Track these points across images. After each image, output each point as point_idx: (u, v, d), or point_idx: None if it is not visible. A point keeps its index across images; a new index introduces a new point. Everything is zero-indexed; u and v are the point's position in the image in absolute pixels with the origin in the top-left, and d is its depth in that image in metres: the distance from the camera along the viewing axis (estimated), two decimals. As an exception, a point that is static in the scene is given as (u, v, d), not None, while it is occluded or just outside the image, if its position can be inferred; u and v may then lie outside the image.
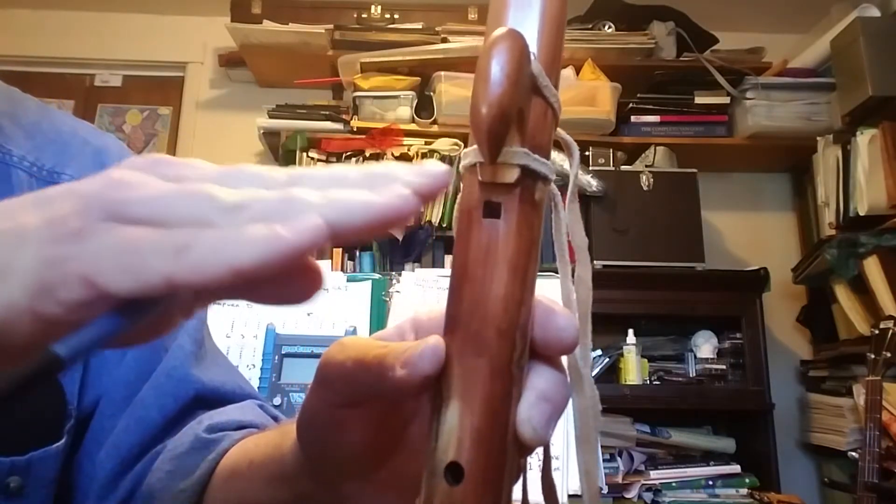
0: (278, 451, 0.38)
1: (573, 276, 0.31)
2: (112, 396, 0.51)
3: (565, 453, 1.09)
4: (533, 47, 0.27)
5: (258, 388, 1.18)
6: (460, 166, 0.29)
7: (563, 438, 1.10)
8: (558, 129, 0.31)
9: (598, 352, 2.17)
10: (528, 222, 0.27)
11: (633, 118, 2.45)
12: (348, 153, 2.39)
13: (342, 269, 2.26)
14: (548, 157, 0.28)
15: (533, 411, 0.26)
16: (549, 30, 0.28)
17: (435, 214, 2.26)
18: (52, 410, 0.48)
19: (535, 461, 1.07)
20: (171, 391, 0.51)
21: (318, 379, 0.30)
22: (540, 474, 0.31)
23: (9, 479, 0.44)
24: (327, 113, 2.45)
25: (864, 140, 2.09)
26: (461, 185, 0.29)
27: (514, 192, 0.27)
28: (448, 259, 2.27)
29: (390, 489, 0.33)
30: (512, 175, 0.27)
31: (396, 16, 2.57)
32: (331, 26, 2.50)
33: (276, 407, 1.12)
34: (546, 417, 0.26)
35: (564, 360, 0.29)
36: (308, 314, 1.26)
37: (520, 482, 0.31)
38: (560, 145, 0.32)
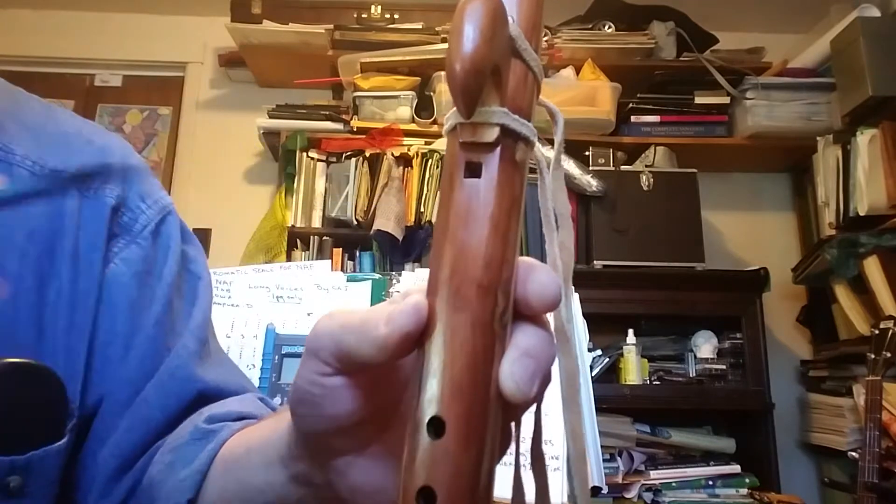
0: (275, 434, 0.38)
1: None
2: (115, 396, 0.51)
3: (565, 453, 1.09)
4: (513, 12, 0.28)
5: (258, 387, 1.18)
6: (443, 130, 0.29)
7: (563, 438, 1.09)
8: (542, 98, 0.30)
9: (598, 352, 2.17)
10: (510, 181, 0.27)
11: (633, 118, 2.45)
12: (348, 153, 2.39)
13: (342, 269, 2.26)
14: (529, 119, 0.28)
15: (515, 366, 0.26)
16: None
17: (434, 214, 2.26)
18: (53, 409, 0.48)
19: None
20: (174, 390, 0.51)
21: (308, 349, 0.31)
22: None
23: (9, 478, 0.44)
24: (327, 113, 2.45)
25: (864, 140, 2.09)
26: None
27: (494, 151, 0.27)
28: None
29: (382, 463, 0.33)
30: (491, 134, 0.27)
31: (396, 16, 2.57)
32: (331, 26, 2.50)
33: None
34: (529, 373, 0.26)
35: (552, 321, 0.30)
36: (308, 314, 1.26)
37: (513, 455, 0.31)
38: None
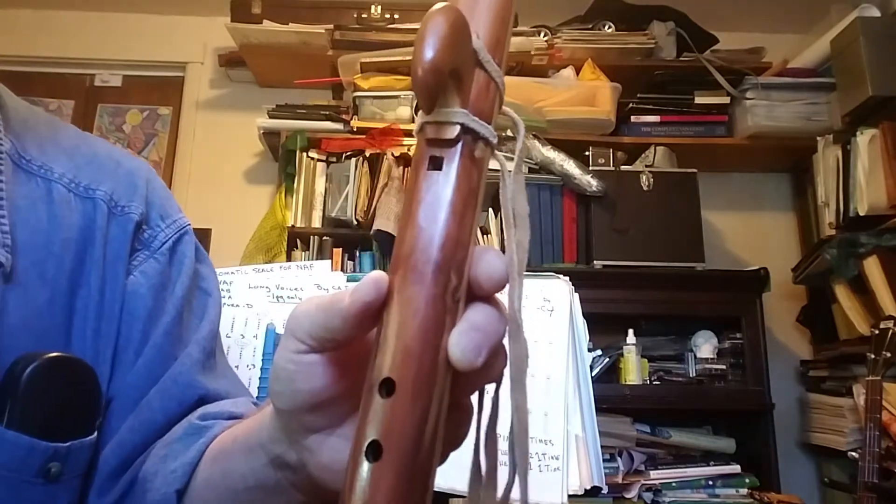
0: (257, 423, 0.41)
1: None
2: (122, 400, 0.54)
3: (565, 453, 1.09)
4: (479, 29, 0.32)
5: (258, 387, 1.18)
6: (414, 130, 0.32)
7: (563, 438, 1.10)
8: (506, 108, 0.34)
9: (598, 352, 2.17)
10: (468, 174, 0.31)
11: (633, 118, 2.45)
12: (348, 153, 2.39)
13: (342, 269, 2.26)
14: (489, 122, 0.32)
15: (462, 337, 0.29)
16: (495, 16, 0.32)
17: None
18: (90, 403, 0.51)
19: (535, 461, 1.07)
20: (176, 395, 0.54)
21: (287, 329, 0.33)
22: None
23: (50, 464, 0.47)
24: (327, 113, 2.45)
25: (864, 140, 2.09)
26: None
27: (454, 147, 0.31)
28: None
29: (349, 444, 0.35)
30: (452, 132, 0.30)
31: (396, 16, 2.57)
32: (331, 26, 2.49)
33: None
34: (475, 344, 0.29)
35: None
36: (308, 314, 1.26)
37: (472, 442, 0.33)
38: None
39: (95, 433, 0.51)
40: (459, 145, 0.31)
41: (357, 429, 0.29)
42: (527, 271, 0.31)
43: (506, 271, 0.31)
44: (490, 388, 0.33)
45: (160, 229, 0.59)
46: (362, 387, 0.33)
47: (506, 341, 0.31)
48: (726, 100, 2.44)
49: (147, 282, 0.56)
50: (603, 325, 2.15)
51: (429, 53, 0.27)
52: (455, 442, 0.33)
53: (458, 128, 0.30)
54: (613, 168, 2.33)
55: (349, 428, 0.34)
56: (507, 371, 0.32)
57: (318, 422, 0.34)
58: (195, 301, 0.60)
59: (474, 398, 0.34)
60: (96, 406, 0.51)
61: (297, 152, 2.38)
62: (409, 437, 0.28)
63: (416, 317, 0.29)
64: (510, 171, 0.34)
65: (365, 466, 0.28)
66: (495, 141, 0.32)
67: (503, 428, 0.32)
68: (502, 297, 0.32)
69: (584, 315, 1.22)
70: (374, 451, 0.28)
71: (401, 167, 2.34)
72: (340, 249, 2.34)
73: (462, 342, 0.29)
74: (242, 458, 0.42)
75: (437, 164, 0.31)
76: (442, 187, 0.30)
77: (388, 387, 0.28)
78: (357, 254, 2.36)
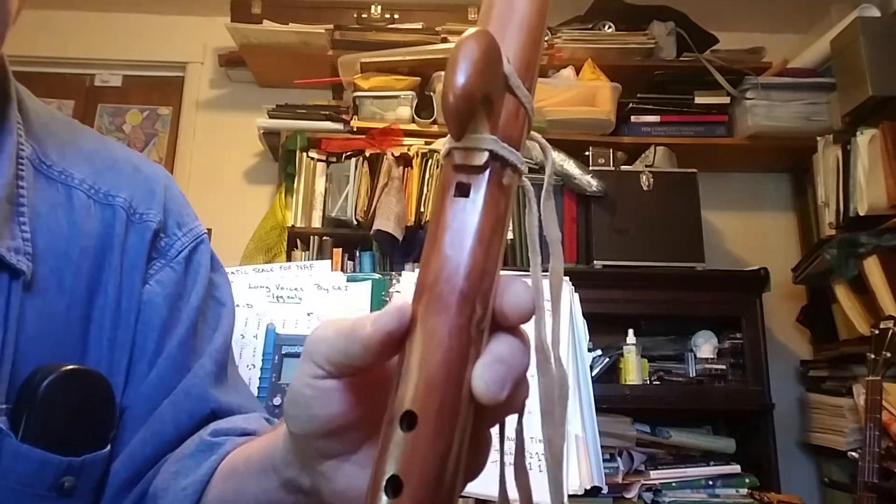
0: (271, 444, 0.40)
1: (545, 269, 0.33)
2: (135, 410, 0.53)
3: (565, 453, 1.09)
4: (510, 53, 0.31)
5: (258, 388, 1.18)
6: (440, 155, 0.31)
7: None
8: (534, 133, 0.34)
9: (598, 352, 2.17)
10: (495, 202, 0.30)
11: (633, 118, 2.45)
12: (348, 153, 2.39)
13: (342, 269, 2.26)
14: (518, 149, 0.31)
15: (486, 369, 0.28)
16: (526, 40, 0.32)
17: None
18: (105, 417, 0.50)
19: (535, 461, 1.07)
20: (187, 408, 0.54)
21: (305, 353, 0.33)
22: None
23: (64, 478, 0.47)
24: (327, 113, 2.45)
25: (864, 140, 2.09)
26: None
27: (482, 174, 0.30)
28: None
29: (367, 471, 0.34)
30: (480, 158, 0.30)
31: (396, 16, 2.57)
32: (331, 26, 2.50)
33: (276, 406, 1.12)
34: (499, 377, 0.28)
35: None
36: (308, 314, 1.26)
37: (496, 470, 0.32)
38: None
39: (109, 446, 0.50)
40: (487, 172, 0.30)
41: (376, 462, 0.28)
42: (526, 271, 0.31)
43: (532, 303, 0.30)
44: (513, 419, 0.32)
45: (177, 238, 0.59)
46: (379, 413, 0.33)
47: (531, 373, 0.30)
48: (726, 100, 2.44)
49: (163, 291, 0.55)
50: (603, 325, 2.15)
51: (461, 79, 0.27)
52: (473, 473, 0.32)
53: (486, 154, 0.30)
54: (613, 168, 2.33)
55: (364, 455, 0.34)
56: (537, 404, 0.31)
57: (333, 448, 0.34)
58: (209, 311, 0.59)
59: (494, 428, 0.33)
60: (111, 419, 0.51)
61: (297, 152, 2.38)
62: (430, 472, 0.27)
63: (440, 348, 0.28)
64: (536, 197, 0.33)
65: (384, 502, 0.27)
66: (523, 167, 0.31)
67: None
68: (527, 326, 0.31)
69: (584, 315, 1.22)
70: (394, 487, 0.27)
71: (401, 167, 2.34)
72: (340, 249, 2.34)
73: (486, 375, 0.28)
74: (255, 479, 0.41)
75: (464, 190, 0.30)
76: (469, 214, 0.29)
77: (409, 420, 0.28)
78: (357, 254, 2.36)
